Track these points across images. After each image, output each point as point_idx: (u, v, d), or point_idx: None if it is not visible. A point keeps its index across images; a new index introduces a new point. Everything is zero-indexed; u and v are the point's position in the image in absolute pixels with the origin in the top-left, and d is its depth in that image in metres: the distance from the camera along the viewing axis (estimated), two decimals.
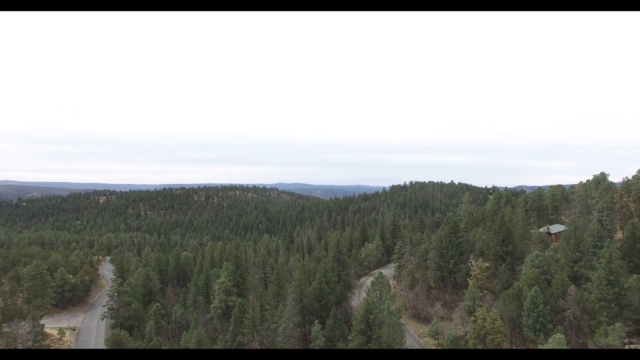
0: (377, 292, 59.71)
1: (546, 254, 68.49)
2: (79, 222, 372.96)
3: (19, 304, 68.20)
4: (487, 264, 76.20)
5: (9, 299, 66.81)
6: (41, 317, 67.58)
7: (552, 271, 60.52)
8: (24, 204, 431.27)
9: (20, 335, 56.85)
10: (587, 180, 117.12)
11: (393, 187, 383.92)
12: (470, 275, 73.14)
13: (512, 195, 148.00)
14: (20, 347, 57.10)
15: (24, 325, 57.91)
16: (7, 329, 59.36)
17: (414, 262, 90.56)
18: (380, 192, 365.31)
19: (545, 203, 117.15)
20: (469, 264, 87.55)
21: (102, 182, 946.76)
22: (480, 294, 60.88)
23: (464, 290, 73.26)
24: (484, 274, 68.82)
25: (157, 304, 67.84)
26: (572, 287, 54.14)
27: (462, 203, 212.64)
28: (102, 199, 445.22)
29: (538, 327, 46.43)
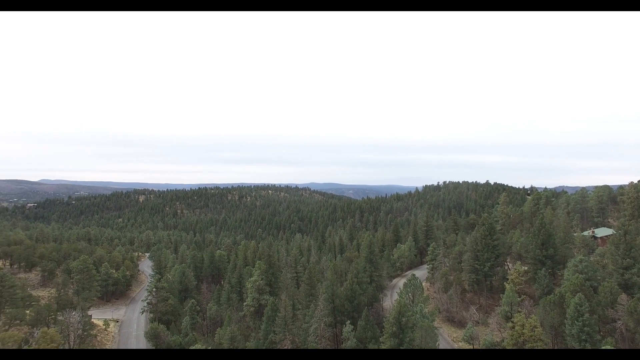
0: (410, 294, 58.72)
1: (591, 259, 64.74)
2: (120, 219, 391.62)
3: (69, 295, 72.77)
4: (525, 268, 73.10)
5: (62, 290, 71.36)
6: (88, 308, 71.75)
7: (599, 278, 57.03)
8: (73, 202, 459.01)
9: (71, 324, 60.72)
10: (639, 181, 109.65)
11: (426, 187, 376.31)
12: (507, 279, 70.43)
13: (553, 196, 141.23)
14: (72, 335, 61.06)
15: (74, 315, 61.73)
16: (60, 318, 63.59)
17: (447, 264, 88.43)
18: (412, 192, 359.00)
19: (590, 205, 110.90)
20: (506, 267, 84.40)
21: (142, 181, 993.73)
22: (518, 299, 58.46)
23: (501, 295, 70.65)
24: (522, 278, 66.01)
25: (193, 300, 70.18)
26: (623, 295, 50.73)
27: (498, 204, 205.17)
28: (141, 198, 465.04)
29: (583, 337, 43.86)
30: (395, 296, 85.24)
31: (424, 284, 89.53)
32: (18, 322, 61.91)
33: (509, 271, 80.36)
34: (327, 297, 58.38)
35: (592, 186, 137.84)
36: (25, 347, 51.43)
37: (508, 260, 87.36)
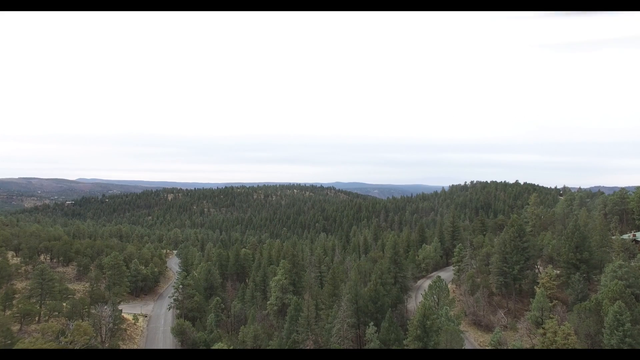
0: (435, 296, 57.47)
1: (632, 264, 61.23)
2: (150, 217, 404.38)
3: (102, 289, 75.79)
4: (557, 272, 70.07)
5: (95, 285, 74.30)
6: (119, 303, 74.29)
7: None
8: (107, 200, 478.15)
9: (103, 318, 63.10)
10: None
11: (453, 187, 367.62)
12: (538, 282, 67.73)
13: (587, 197, 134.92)
14: (104, 328, 63.53)
15: (106, 309, 64.10)
16: (93, 311, 66.26)
17: (474, 266, 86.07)
18: (439, 192, 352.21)
19: (631, 206, 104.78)
20: (536, 271, 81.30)
21: (171, 180, 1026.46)
22: (550, 304, 56.05)
23: (531, 299, 68.09)
24: (554, 282, 63.21)
25: (218, 298, 71.35)
26: None
27: (528, 205, 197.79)
28: (170, 197, 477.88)
29: (625, 348, 41.43)
30: (420, 298, 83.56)
31: (449, 285, 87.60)
32: (57, 313, 65.10)
33: (539, 275, 77.45)
34: (350, 297, 58.00)
35: (633, 186, 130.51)
36: (62, 338, 53.83)
37: (539, 263, 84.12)
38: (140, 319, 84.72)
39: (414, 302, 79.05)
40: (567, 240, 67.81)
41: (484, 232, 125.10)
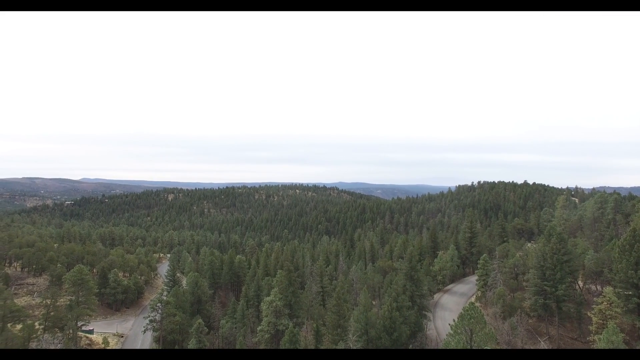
0: (467, 328, 45.28)
1: None
2: (149, 218, 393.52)
3: (61, 310, 64.08)
4: (612, 290, 57.71)
5: (52, 304, 62.55)
6: (79, 327, 62.53)
7: None
8: (106, 200, 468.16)
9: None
10: None
11: (459, 187, 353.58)
12: (592, 307, 55.47)
13: (622, 200, 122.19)
14: None
15: (56, 337, 52.07)
16: (47, 336, 54.45)
17: (500, 281, 73.89)
18: (444, 192, 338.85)
19: None
20: (577, 288, 69.16)
21: (173, 180, 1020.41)
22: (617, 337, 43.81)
23: (575, 322, 56.23)
24: (617, 309, 50.81)
25: (199, 321, 59.69)
26: None
27: (546, 207, 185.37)
28: (170, 197, 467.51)
29: None
30: (439, 319, 71.26)
31: (472, 300, 75.66)
32: None
33: (582, 293, 65.40)
34: (359, 327, 46.13)
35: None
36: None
37: (579, 278, 71.98)
38: (114, 340, 73.08)
39: (433, 325, 66.89)
40: (624, 253, 55.53)
41: (505, 239, 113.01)
